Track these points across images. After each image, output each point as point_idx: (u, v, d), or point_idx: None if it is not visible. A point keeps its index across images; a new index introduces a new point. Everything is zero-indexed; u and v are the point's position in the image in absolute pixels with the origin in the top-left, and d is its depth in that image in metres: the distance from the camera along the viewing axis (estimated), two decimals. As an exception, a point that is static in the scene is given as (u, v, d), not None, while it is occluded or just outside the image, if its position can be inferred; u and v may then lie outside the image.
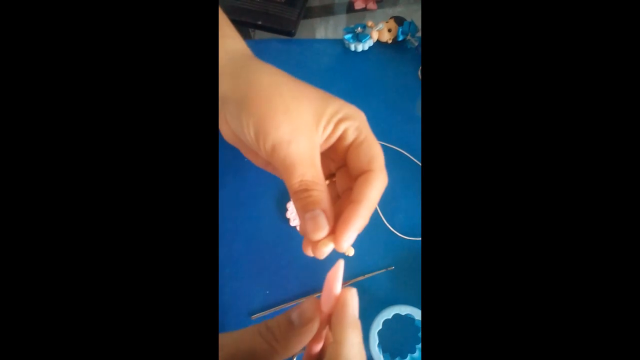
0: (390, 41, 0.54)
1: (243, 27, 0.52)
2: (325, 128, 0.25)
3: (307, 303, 0.23)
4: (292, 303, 0.40)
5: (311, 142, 0.24)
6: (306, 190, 0.24)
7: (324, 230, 0.23)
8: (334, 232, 0.24)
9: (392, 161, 0.47)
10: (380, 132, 0.48)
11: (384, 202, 0.46)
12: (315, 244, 0.24)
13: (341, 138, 0.26)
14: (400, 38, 0.53)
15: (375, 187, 0.24)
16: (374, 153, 0.25)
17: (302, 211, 0.24)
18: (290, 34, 0.52)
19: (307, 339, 0.23)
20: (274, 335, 0.22)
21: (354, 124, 0.25)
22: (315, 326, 0.22)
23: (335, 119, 0.25)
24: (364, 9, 0.57)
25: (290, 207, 0.44)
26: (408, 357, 0.38)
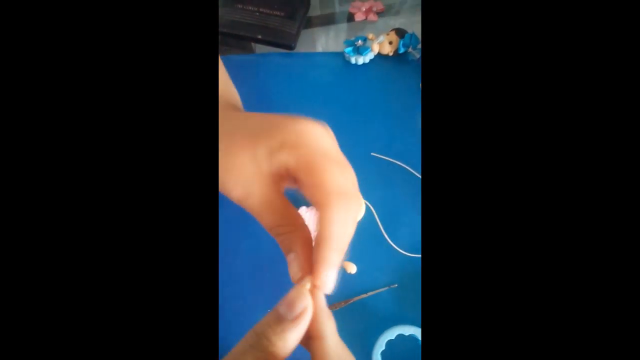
0: (391, 54, 0.53)
1: (243, 40, 0.52)
2: (269, 165, 0.23)
3: (294, 292, 0.21)
4: (294, 322, 0.40)
5: (262, 187, 0.23)
6: (277, 235, 0.24)
7: (298, 275, 0.23)
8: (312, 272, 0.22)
9: (394, 176, 0.47)
10: (381, 146, 0.48)
11: (386, 218, 0.46)
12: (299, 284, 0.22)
13: (287, 170, 0.24)
14: (402, 50, 0.53)
15: (333, 224, 0.22)
16: (318, 181, 0.22)
17: (284, 252, 0.24)
18: (290, 47, 0.51)
19: (302, 329, 0.21)
20: (268, 339, 0.21)
21: (287, 150, 0.23)
22: (309, 313, 0.21)
23: (270, 153, 0.23)
24: (365, 20, 0.56)
25: (292, 223, 0.44)
26: (411, 378, 0.37)
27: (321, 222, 0.22)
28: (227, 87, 0.36)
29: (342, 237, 0.22)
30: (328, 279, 0.22)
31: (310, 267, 0.22)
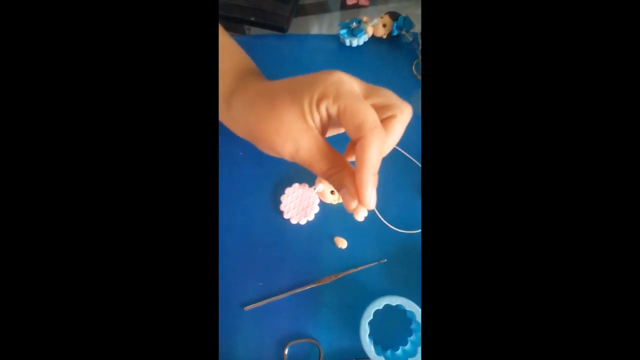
0: (385, 36, 0.54)
1: (236, 23, 0.53)
2: (313, 118, 0.27)
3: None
4: (285, 295, 0.40)
5: (311, 139, 0.27)
6: (329, 176, 0.28)
7: (353, 203, 0.27)
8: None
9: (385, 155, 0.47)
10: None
11: (377, 195, 0.46)
12: (355, 211, 0.28)
13: (329, 117, 0.27)
14: (395, 33, 0.53)
15: (371, 150, 0.26)
16: (359, 120, 0.26)
17: (337, 189, 0.29)
18: (282, 29, 0.52)
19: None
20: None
21: (329, 100, 0.26)
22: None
23: (313, 106, 0.26)
24: (356, 5, 0.57)
25: (284, 200, 0.44)
26: (400, 350, 0.38)
27: (360, 152, 0.26)
28: (248, 60, 0.39)
29: (376, 162, 0.26)
30: (372, 197, 0.27)
31: (358, 194, 0.27)
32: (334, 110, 0.26)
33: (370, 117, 0.26)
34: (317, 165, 0.28)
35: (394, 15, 0.54)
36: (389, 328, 0.39)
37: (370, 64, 0.53)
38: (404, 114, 0.28)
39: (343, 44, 0.54)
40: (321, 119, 0.27)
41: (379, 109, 0.28)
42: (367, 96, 0.28)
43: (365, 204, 0.27)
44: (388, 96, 0.28)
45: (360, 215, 0.28)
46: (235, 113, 0.31)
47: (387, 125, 0.28)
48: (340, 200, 0.44)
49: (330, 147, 0.28)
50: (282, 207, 0.44)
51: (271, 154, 0.29)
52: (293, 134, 0.27)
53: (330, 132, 0.31)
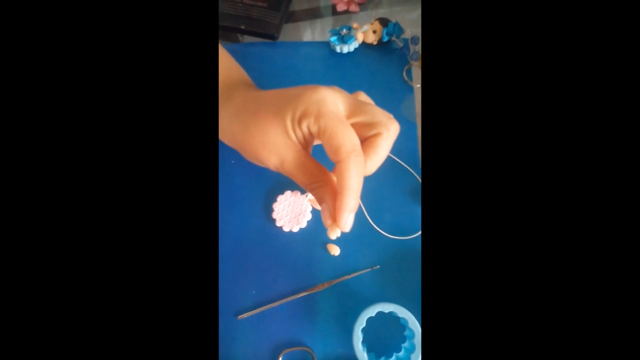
0: (375, 42, 0.54)
1: (226, 32, 0.53)
2: (295, 134, 0.27)
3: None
4: (279, 303, 0.40)
5: (294, 153, 0.27)
6: (311, 190, 0.28)
7: (329, 220, 0.28)
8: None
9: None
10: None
11: (370, 202, 0.46)
12: (329, 228, 0.28)
13: (311, 134, 0.27)
14: (385, 39, 0.54)
15: (348, 176, 0.25)
16: (337, 143, 0.25)
17: (318, 203, 0.29)
18: (273, 37, 0.52)
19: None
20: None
21: (310, 119, 0.26)
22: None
23: (295, 124, 0.27)
24: (347, 11, 0.57)
25: (277, 207, 0.44)
26: (393, 357, 0.38)
27: (339, 178, 0.26)
28: (238, 68, 0.39)
29: (356, 187, 0.26)
30: (347, 221, 0.26)
31: (335, 216, 0.27)
32: (314, 130, 0.26)
33: (349, 141, 0.25)
34: (300, 178, 0.28)
35: (383, 22, 0.54)
36: (382, 335, 0.39)
37: (361, 70, 0.53)
38: (390, 132, 0.28)
39: (334, 50, 0.54)
40: (304, 135, 0.27)
41: (364, 126, 0.28)
42: (351, 114, 0.28)
43: (340, 227, 0.27)
44: (374, 113, 0.28)
45: (333, 235, 0.28)
46: (222, 122, 0.31)
47: (372, 143, 0.28)
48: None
49: (313, 161, 0.28)
50: (275, 215, 0.44)
51: (256, 163, 0.29)
52: (277, 148, 0.27)
53: (317, 142, 0.31)
